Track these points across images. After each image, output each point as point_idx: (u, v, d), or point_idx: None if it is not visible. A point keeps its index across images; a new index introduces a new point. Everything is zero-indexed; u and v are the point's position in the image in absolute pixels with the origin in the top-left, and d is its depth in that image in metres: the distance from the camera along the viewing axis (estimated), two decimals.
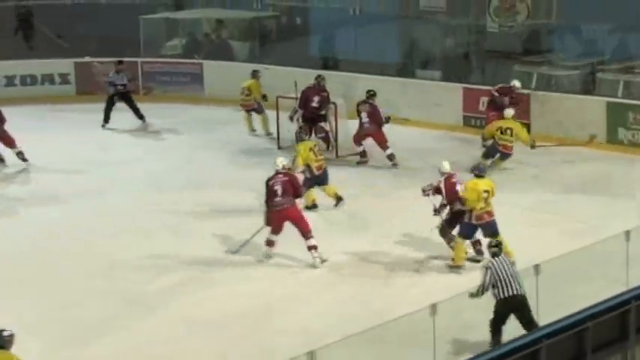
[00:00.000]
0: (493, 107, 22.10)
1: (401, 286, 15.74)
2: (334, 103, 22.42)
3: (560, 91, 23.96)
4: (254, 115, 23.95)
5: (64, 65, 28.32)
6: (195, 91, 27.29)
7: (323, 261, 16.39)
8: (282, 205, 16.48)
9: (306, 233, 16.44)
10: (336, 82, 24.22)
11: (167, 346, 14.01)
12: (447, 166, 16.75)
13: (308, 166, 18.68)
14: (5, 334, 11.76)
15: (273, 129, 23.25)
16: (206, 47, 29.54)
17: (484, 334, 12.92)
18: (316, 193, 18.88)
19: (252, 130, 24.02)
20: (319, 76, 22.60)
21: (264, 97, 23.71)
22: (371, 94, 21.58)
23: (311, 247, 16.40)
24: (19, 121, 25.08)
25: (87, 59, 28.55)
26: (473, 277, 14.51)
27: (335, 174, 19.71)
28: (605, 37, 24.82)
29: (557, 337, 12.17)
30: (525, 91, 23.48)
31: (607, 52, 24.66)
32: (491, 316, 13.18)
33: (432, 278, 15.98)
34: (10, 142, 21.96)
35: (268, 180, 16.64)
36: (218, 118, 25.37)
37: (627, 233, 14.15)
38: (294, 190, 16.67)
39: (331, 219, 18.49)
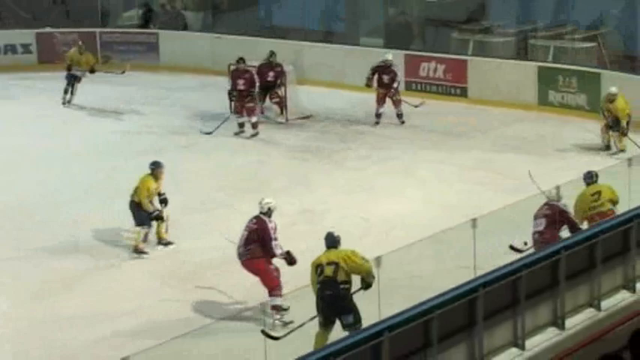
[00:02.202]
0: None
1: (346, 242, 15.84)
2: (281, 65, 22.58)
3: (495, 56, 24.16)
4: None
5: (26, 36, 28.18)
6: (151, 59, 27.25)
7: (285, 323, 13.00)
8: (244, 256, 13.54)
9: (269, 290, 13.35)
10: (285, 50, 24.30)
11: (125, 302, 14.03)
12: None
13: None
14: (335, 234, 12.41)
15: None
16: (161, 18, 29.47)
17: (428, 284, 12.94)
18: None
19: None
20: (272, 52, 22.61)
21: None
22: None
23: (273, 307, 13.25)
24: None
25: (47, 30, 28.41)
26: (413, 234, 14.71)
27: (284, 135, 19.89)
28: (537, 5, 25.04)
29: (493, 285, 12.41)
30: (462, 57, 23.75)
31: (539, 20, 24.87)
32: (436, 267, 13.37)
33: (377, 234, 16.08)
34: None
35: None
36: (172, 85, 25.37)
37: (557, 188, 14.40)
38: (261, 241, 13.50)
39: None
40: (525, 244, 14.72)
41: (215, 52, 24.94)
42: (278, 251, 13.50)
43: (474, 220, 13.24)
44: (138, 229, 15.71)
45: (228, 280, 14.35)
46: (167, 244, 15.92)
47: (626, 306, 13.73)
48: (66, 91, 23.85)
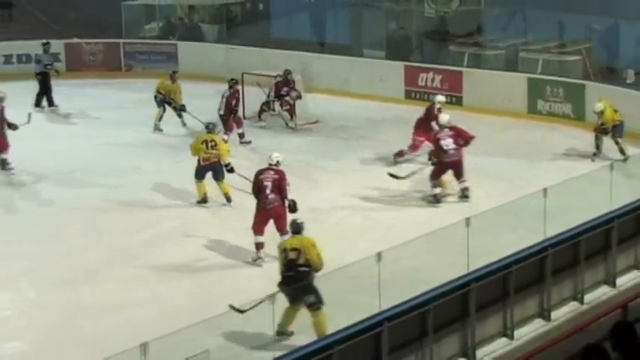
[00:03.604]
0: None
1: (349, 238, 15.83)
2: (294, 81, 22.60)
3: (488, 68, 24.13)
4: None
5: (56, 45, 28.14)
6: (170, 68, 27.23)
7: None
8: (272, 203, 14.86)
9: (282, 230, 14.62)
10: (294, 60, 24.33)
11: (143, 291, 14.01)
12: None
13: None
14: (299, 221, 12.73)
15: None
16: (180, 30, 29.48)
17: (425, 278, 12.85)
18: None
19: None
20: (287, 71, 22.54)
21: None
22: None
23: None
24: (16, 95, 25.03)
25: (75, 40, 28.44)
26: (411, 231, 14.67)
27: (294, 139, 19.88)
28: (528, 21, 25.04)
29: (485, 279, 12.40)
30: (458, 69, 23.73)
31: (529, 35, 24.86)
32: (433, 262, 13.34)
33: (379, 232, 16.00)
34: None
35: (259, 173, 15.21)
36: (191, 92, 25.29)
37: (545, 190, 14.37)
38: (280, 189, 14.92)
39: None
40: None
41: (229, 62, 24.92)
42: (289, 196, 14.93)
43: (468, 219, 13.22)
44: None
45: (239, 272, 14.40)
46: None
47: (607, 299, 13.72)
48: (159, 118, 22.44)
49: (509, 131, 21.75)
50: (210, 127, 17.86)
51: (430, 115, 19.05)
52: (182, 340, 10.81)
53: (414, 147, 19.29)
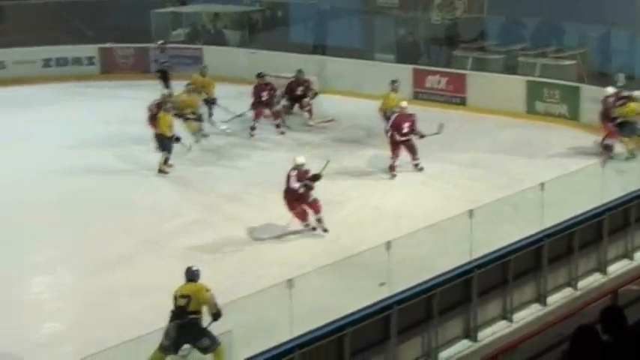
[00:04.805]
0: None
1: (361, 228, 15.86)
2: (308, 80, 22.59)
3: (490, 71, 24.08)
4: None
5: (91, 50, 28.30)
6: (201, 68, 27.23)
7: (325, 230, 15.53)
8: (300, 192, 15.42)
9: (314, 209, 15.54)
10: (310, 63, 24.34)
11: (171, 275, 13.96)
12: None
13: None
14: (194, 269, 11.50)
15: None
16: (205, 35, 29.48)
17: (431, 265, 12.84)
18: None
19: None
20: (299, 70, 22.51)
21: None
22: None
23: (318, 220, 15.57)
24: (53, 96, 25.21)
25: (108, 45, 28.50)
26: (418, 222, 14.67)
27: (311, 136, 19.91)
28: (527, 28, 24.99)
29: (486, 267, 12.41)
30: (462, 72, 23.73)
31: (527, 40, 24.80)
32: (438, 250, 13.34)
33: (389, 222, 16.01)
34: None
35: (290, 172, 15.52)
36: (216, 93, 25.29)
37: (542, 185, 14.38)
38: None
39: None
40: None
41: (251, 64, 24.89)
42: (295, 186, 15.37)
43: (471, 211, 13.24)
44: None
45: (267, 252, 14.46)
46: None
47: (599, 286, 13.73)
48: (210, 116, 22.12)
49: (509, 130, 21.69)
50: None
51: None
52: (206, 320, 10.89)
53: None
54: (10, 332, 12.29)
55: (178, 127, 19.75)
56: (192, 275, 11.44)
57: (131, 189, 18.18)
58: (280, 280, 11.48)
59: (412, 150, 18.65)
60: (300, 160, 15.69)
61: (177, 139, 19.18)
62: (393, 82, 20.62)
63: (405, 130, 18.47)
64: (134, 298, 13.24)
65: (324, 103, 22.90)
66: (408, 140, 18.54)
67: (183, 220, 16.36)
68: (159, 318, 10.72)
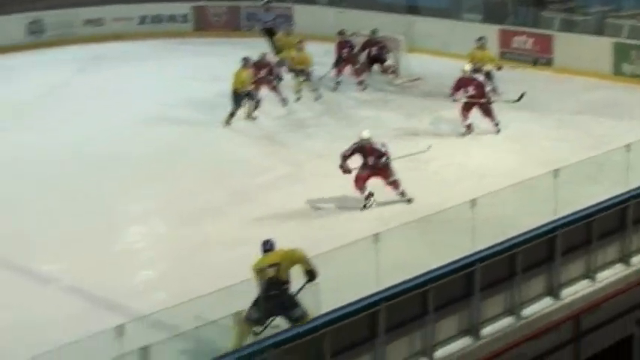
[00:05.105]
0: None
1: (446, 185, 15.80)
2: (396, 39, 22.47)
3: (578, 32, 23.65)
4: None
5: (184, 8, 28.53)
6: (286, 28, 27.24)
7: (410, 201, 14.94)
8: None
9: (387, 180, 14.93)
10: (399, 22, 24.21)
11: (260, 229, 13.96)
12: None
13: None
14: (271, 240, 10.94)
15: None
16: None
17: (514, 224, 12.67)
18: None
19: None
20: (374, 30, 22.22)
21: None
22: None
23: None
24: (148, 52, 25.51)
25: (202, 3, 28.70)
26: (502, 181, 14.56)
27: (397, 96, 19.82)
28: None
29: (571, 226, 12.27)
30: (549, 32, 23.34)
31: (615, 2, 24.29)
32: (517, 209, 13.23)
33: (472, 180, 15.90)
34: None
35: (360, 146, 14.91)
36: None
37: (628, 146, 14.13)
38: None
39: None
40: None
41: (338, 23, 24.76)
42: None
43: (556, 171, 13.09)
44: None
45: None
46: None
47: (623, 277, 13.20)
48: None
49: (595, 91, 21.31)
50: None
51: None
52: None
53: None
54: (107, 279, 12.55)
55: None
56: (271, 246, 10.87)
57: (222, 144, 18.38)
58: (366, 235, 11.50)
59: (487, 113, 18.31)
60: (366, 134, 14.94)
61: (250, 96, 19.34)
62: (479, 39, 20.38)
63: (470, 92, 18.14)
64: (224, 250, 13.39)
65: (412, 62, 22.76)
66: (475, 104, 18.19)
67: (273, 175, 16.48)
68: (247, 270, 10.82)
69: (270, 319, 10.56)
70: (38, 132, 19.23)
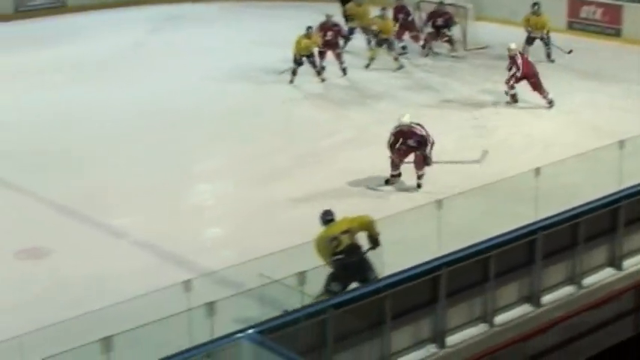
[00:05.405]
0: None
1: (511, 154, 15.63)
2: (464, 7, 22.20)
3: None
4: None
5: None
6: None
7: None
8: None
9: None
10: None
11: (326, 190, 14.00)
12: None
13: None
14: (330, 210, 10.60)
15: None
16: None
17: (577, 193, 12.46)
18: None
19: None
20: (441, 2, 21.88)
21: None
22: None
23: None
24: (218, 14, 25.46)
25: None
26: (566, 151, 14.36)
27: (462, 65, 19.67)
28: None
29: (635, 197, 12.07)
30: (619, 3, 22.89)
31: None
32: (581, 180, 13.05)
33: (537, 149, 15.70)
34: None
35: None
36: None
37: None
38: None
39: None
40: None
41: None
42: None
43: (622, 142, 12.87)
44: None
45: None
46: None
47: None
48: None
49: None
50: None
51: None
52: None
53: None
54: (177, 234, 12.68)
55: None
56: (332, 215, 10.51)
57: (291, 106, 18.39)
58: (429, 201, 11.43)
59: (535, 88, 17.90)
60: (406, 119, 14.23)
61: (312, 60, 19.47)
62: (534, 4, 20.38)
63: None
64: (291, 210, 13.43)
65: (479, 31, 22.48)
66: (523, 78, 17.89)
67: (340, 138, 16.46)
68: (314, 229, 10.82)
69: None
70: (112, 89, 19.41)
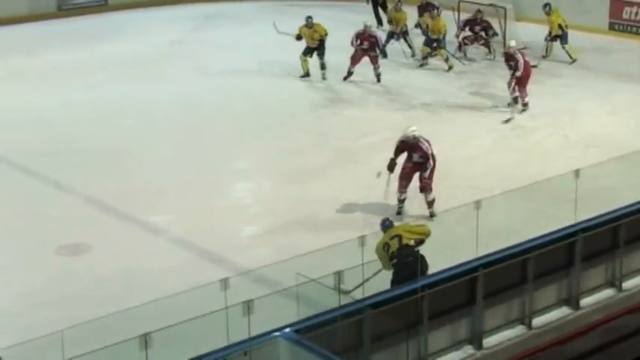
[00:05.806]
0: None
1: (549, 155, 15.46)
2: (504, 8, 22.01)
3: None
4: None
5: None
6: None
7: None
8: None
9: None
10: None
11: (363, 189, 13.84)
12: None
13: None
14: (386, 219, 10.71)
15: None
16: None
17: (617, 196, 12.36)
18: None
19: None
20: (478, 10, 21.54)
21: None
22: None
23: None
24: (257, 13, 25.48)
25: None
26: (606, 152, 14.20)
27: (501, 66, 19.49)
28: None
29: None
30: None
31: None
32: (622, 182, 12.91)
33: (577, 151, 15.57)
34: None
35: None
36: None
37: None
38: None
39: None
40: None
41: None
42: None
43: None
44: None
45: None
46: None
47: None
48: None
49: None
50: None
51: None
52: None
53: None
54: (214, 233, 12.70)
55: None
56: (391, 222, 10.63)
57: (326, 105, 18.34)
58: (468, 201, 11.34)
59: (522, 87, 17.58)
60: (411, 131, 13.32)
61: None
62: (545, 5, 20.89)
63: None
64: (325, 209, 13.39)
65: (519, 31, 22.28)
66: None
67: (377, 137, 16.28)
68: (350, 231, 10.76)
69: None
70: (153, 87, 19.45)
